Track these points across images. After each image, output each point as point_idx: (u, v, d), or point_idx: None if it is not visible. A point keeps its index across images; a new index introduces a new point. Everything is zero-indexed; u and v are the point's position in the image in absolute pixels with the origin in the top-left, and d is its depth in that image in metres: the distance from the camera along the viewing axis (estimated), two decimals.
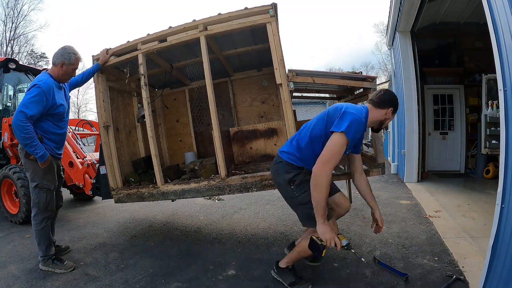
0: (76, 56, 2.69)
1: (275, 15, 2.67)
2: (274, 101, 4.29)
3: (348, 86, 3.19)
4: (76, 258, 3.04)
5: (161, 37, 2.93)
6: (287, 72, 2.73)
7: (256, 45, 3.50)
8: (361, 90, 3.32)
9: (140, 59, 2.99)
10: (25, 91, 2.82)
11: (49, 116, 2.67)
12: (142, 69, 3.00)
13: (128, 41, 3.07)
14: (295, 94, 4.10)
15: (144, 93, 3.01)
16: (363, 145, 3.80)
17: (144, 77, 3.00)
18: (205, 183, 2.90)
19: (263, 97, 4.33)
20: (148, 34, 2.97)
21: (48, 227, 2.80)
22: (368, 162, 3.28)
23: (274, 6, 2.63)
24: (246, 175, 2.87)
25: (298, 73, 2.79)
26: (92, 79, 3.19)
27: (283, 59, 2.68)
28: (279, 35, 2.68)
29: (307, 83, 2.93)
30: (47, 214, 2.76)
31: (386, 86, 9.80)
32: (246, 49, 3.58)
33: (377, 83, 3.14)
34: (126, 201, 3.21)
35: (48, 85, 2.57)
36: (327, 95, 5.55)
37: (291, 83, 2.73)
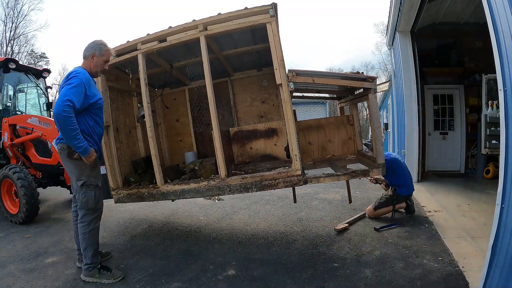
0: (106, 47, 2.60)
1: (275, 15, 2.66)
2: (274, 101, 4.29)
3: (348, 86, 3.19)
4: (76, 258, 3.03)
5: (161, 37, 2.93)
6: (287, 72, 2.73)
7: (256, 45, 3.50)
8: (361, 90, 3.33)
9: (140, 59, 2.99)
10: (65, 83, 2.58)
11: (92, 113, 2.53)
12: (142, 69, 3.00)
13: (128, 41, 3.07)
14: (295, 94, 4.10)
15: (144, 93, 3.01)
16: (363, 145, 3.83)
17: (144, 78, 3.00)
18: (205, 183, 2.90)
19: (263, 97, 4.33)
20: (148, 34, 2.97)
21: (98, 230, 2.59)
22: (368, 162, 3.28)
23: (274, 6, 2.63)
24: (246, 175, 2.87)
25: (298, 73, 2.79)
26: None
27: (283, 59, 2.68)
28: (279, 35, 2.68)
29: (308, 83, 2.94)
30: (97, 213, 2.55)
31: (386, 86, 9.80)
32: (246, 49, 3.58)
33: (377, 83, 3.14)
34: (126, 201, 3.21)
35: (87, 77, 2.47)
36: (327, 95, 5.53)
37: (291, 83, 2.73)
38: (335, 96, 4.67)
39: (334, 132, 3.91)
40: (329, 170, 3.36)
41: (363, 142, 3.88)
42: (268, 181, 2.77)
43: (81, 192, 2.48)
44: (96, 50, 2.56)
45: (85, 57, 2.59)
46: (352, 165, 3.74)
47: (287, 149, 3.84)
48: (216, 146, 2.82)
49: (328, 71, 22.94)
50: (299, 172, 2.71)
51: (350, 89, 3.57)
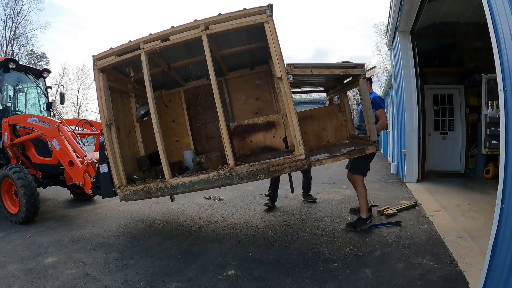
0: None
1: (272, 15, 2.79)
2: (267, 98, 4.40)
3: (341, 74, 3.50)
4: (76, 258, 3.04)
5: (164, 36, 2.97)
6: (285, 66, 2.86)
7: (251, 44, 3.56)
8: (350, 78, 3.67)
9: (143, 58, 3.02)
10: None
11: None
12: (145, 67, 3.02)
13: (130, 41, 3.09)
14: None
15: (148, 89, 3.04)
16: (355, 129, 4.00)
17: (148, 75, 3.03)
18: (214, 173, 2.95)
19: (257, 94, 4.43)
20: (150, 34, 3.01)
21: None
22: (362, 142, 3.45)
23: (270, 6, 2.77)
24: (254, 163, 2.95)
25: (296, 66, 2.95)
26: (93, 77, 3.21)
27: (282, 54, 2.81)
28: (276, 33, 2.81)
29: (303, 75, 3.12)
30: None
31: (373, 72, 9.86)
32: (242, 48, 3.64)
33: (367, 70, 3.59)
34: (133, 198, 3.17)
35: None
36: (315, 89, 5.48)
37: (290, 76, 2.86)
38: (323, 89, 4.84)
39: (327, 120, 4.18)
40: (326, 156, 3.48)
41: (355, 125, 4.10)
42: (275, 167, 2.88)
43: None
44: None
45: None
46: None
47: (285, 140, 3.97)
48: (224, 136, 2.92)
49: (321, 62, 23.01)
50: (303, 157, 2.84)
51: (342, 77, 3.83)
